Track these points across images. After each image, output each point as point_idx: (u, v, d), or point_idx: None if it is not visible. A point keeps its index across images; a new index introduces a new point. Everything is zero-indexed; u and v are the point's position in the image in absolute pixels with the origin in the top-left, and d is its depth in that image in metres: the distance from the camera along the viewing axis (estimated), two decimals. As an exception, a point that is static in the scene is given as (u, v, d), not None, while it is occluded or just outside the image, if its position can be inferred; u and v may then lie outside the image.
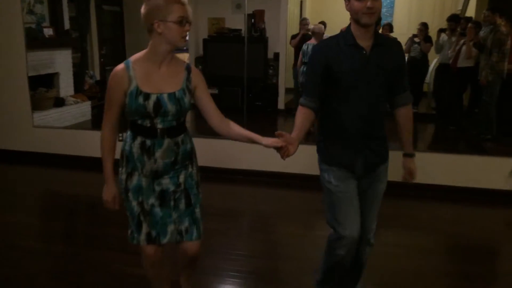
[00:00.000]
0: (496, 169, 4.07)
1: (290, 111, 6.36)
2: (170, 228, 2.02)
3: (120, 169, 2.01)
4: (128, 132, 1.97)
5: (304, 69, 5.60)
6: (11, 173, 4.85)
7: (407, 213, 3.81)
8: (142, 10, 1.83)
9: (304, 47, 5.56)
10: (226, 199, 4.12)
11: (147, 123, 1.91)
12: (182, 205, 2.03)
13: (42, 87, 5.40)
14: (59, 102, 5.55)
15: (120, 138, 2.10)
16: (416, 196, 4.09)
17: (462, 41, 5.09)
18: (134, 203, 2.00)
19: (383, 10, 6.64)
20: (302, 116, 2.05)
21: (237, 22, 6.53)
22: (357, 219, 2.11)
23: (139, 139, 1.93)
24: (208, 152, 4.56)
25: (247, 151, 4.43)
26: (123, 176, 2.00)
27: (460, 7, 5.87)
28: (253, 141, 1.98)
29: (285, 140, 1.92)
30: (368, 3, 1.87)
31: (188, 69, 2.01)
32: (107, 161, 1.98)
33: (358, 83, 1.99)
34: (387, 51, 2.02)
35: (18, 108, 5.03)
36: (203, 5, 6.97)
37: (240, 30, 6.48)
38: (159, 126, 1.90)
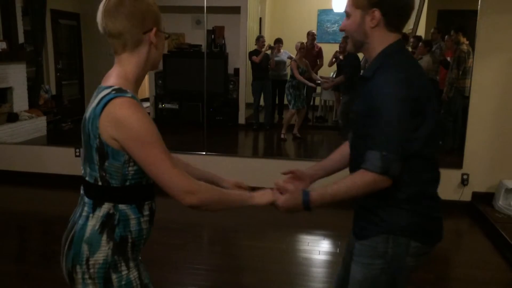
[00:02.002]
0: (446, 180, 4.25)
1: (250, 126, 6.44)
2: None
3: (122, 268, 1.31)
4: (119, 207, 1.29)
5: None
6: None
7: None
8: (125, 12, 1.26)
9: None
10: (186, 214, 4.10)
11: (147, 179, 1.32)
12: None
13: (-6, 102, 5.24)
14: (13, 117, 5.38)
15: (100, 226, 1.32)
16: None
17: (413, 59, 5.36)
18: None
19: (335, 28, 6.89)
20: None
21: (197, 37, 6.59)
22: None
23: (147, 207, 1.36)
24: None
25: (204, 165, 4.45)
26: (135, 274, 1.35)
27: (411, 27, 6.17)
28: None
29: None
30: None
31: None
32: (226, 193, 1.46)
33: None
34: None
35: (-32, 124, 4.85)
36: (164, 20, 6.99)
37: (200, 45, 6.54)
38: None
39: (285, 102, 6.19)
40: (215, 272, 2.99)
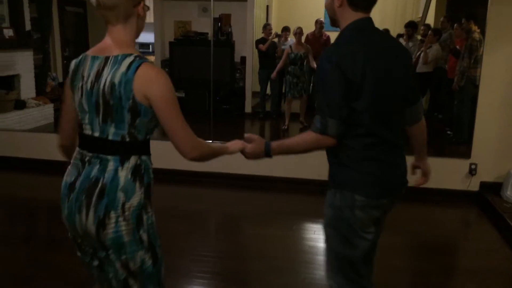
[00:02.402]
0: (454, 170, 4.24)
1: (256, 114, 6.42)
2: None
3: (149, 211, 1.54)
4: (142, 158, 1.51)
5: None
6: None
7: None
8: None
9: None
10: (192, 201, 4.11)
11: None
12: None
13: (1, 89, 5.25)
14: (20, 105, 5.40)
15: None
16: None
17: (422, 48, 5.30)
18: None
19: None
20: None
21: (203, 25, 6.55)
22: None
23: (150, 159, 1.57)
24: (172, 154, 4.55)
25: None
26: (153, 218, 1.57)
27: (420, 15, 6.10)
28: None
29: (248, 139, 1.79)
30: None
31: None
32: (212, 147, 1.67)
33: None
34: None
35: (-24, 111, 4.87)
36: (170, 8, 6.95)
37: (207, 33, 6.50)
38: None
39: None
40: (222, 259, 3.00)
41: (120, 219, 1.45)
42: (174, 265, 2.88)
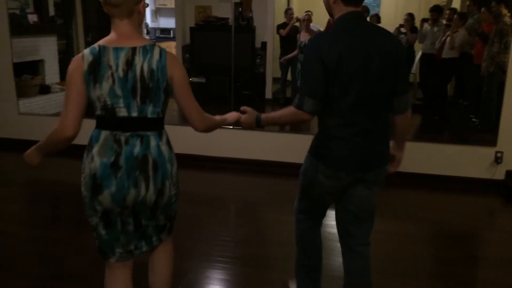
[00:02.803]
0: (479, 158, 4.16)
1: (277, 101, 6.39)
2: None
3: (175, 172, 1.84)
4: (165, 131, 1.82)
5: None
6: (-5, 160, 4.81)
7: (392, 200, 3.88)
8: None
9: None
10: (211, 187, 4.14)
11: None
12: None
13: (27, 74, 5.34)
14: (45, 90, 5.49)
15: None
16: (401, 185, 4.16)
17: (448, 32, 5.16)
18: None
19: (371, 0, 6.68)
20: None
21: (224, 10, 6.49)
22: None
23: None
24: (192, 139, 4.58)
25: (231, 138, 4.46)
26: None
27: (446, -1, 5.93)
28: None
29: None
30: None
31: None
32: (214, 119, 1.98)
33: None
34: None
35: (4, 95, 4.98)
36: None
37: (227, 18, 6.45)
38: None
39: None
40: (242, 244, 3.02)
41: (172, 186, 1.80)
42: (194, 250, 2.92)
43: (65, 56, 5.98)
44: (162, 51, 1.71)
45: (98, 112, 1.72)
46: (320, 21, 6.03)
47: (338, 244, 3.02)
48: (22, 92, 5.11)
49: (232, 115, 2.10)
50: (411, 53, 5.81)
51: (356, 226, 2.08)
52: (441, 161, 4.21)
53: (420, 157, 4.22)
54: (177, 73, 1.73)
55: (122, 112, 1.69)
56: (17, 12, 5.14)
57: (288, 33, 5.92)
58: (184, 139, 4.69)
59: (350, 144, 1.89)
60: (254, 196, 3.99)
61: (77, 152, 4.40)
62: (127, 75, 1.67)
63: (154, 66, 1.68)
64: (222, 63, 5.99)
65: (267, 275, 2.73)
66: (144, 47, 1.69)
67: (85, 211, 1.80)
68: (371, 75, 1.81)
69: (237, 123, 2.12)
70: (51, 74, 5.70)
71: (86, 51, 1.68)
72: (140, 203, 1.74)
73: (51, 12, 5.65)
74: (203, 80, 6.61)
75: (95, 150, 1.71)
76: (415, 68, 5.99)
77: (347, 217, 2.08)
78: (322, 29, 5.86)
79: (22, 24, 5.17)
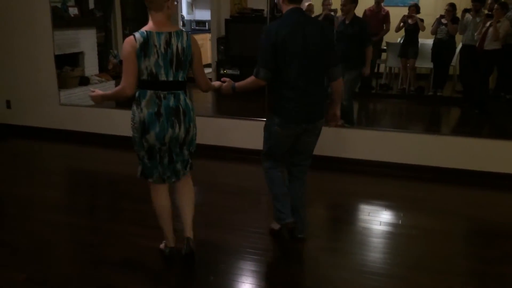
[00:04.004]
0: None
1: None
2: None
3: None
4: (187, 90, 2.55)
5: None
6: (38, 149, 5.00)
7: (430, 196, 3.79)
8: None
9: None
10: (244, 179, 4.16)
11: None
12: None
13: (67, 66, 5.50)
14: (84, 81, 5.64)
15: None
16: (438, 180, 4.06)
17: (488, 23, 4.95)
18: None
19: (409, -10, 6.49)
20: None
21: (259, 2, 6.46)
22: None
23: None
24: (229, 132, 4.60)
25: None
26: None
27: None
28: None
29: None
30: None
31: None
32: (211, 83, 2.80)
33: None
34: None
35: (45, 86, 5.16)
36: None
37: (263, 10, 6.42)
38: None
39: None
40: (273, 236, 3.02)
41: (194, 126, 2.56)
42: (225, 241, 2.95)
43: (103, 48, 6.12)
44: (188, 35, 2.45)
45: (145, 77, 2.38)
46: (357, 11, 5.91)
47: (372, 239, 3.00)
48: (62, 83, 5.27)
49: (216, 83, 2.86)
50: (452, 45, 5.62)
51: (300, 159, 2.88)
52: (481, 156, 4.06)
53: (459, 152, 4.09)
54: (197, 51, 2.50)
55: (162, 77, 2.39)
56: (59, 5, 5.29)
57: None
58: (220, 131, 4.74)
59: (296, 103, 2.63)
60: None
61: (112, 142, 4.51)
62: (166, 52, 2.37)
63: (185, 45, 2.41)
64: (256, 55, 5.98)
65: (297, 267, 2.74)
66: (176, 32, 2.40)
67: (134, 148, 2.53)
68: (308, 51, 2.58)
69: (218, 90, 2.86)
70: (90, 66, 5.85)
71: (137, 35, 2.33)
72: (175, 139, 2.46)
73: (91, 5, 5.79)
74: (237, 72, 6.63)
75: (143, 104, 2.40)
76: (455, 60, 5.79)
77: (295, 154, 2.85)
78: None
79: (63, 17, 5.31)
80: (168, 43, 2.36)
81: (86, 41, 5.77)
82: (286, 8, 2.65)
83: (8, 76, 5.27)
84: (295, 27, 2.56)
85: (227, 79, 2.86)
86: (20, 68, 5.21)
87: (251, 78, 2.65)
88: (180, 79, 2.43)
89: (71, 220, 3.26)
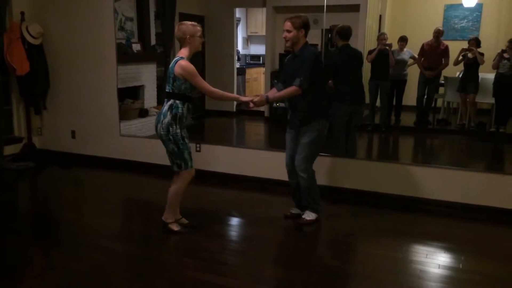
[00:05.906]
0: None
1: (365, 127, 6.23)
2: None
3: (174, 127, 3.30)
4: (177, 101, 3.30)
5: None
6: (98, 177, 5.22)
7: (493, 240, 3.56)
8: (178, 31, 3.32)
9: None
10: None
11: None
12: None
13: (128, 98, 5.78)
14: (143, 113, 5.89)
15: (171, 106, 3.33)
16: (503, 222, 3.81)
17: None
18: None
19: (469, 24, 6.34)
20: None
21: (313, 37, 6.52)
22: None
23: (186, 104, 3.33)
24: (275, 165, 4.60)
25: (315, 165, 4.40)
26: (178, 130, 3.32)
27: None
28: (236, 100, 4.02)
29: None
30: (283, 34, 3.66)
31: None
32: (227, 94, 3.60)
33: None
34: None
35: (108, 118, 5.43)
36: (281, 21, 7.06)
37: (317, 45, 6.48)
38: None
39: (404, 103, 5.89)
40: (325, 276, 2.94)
41: (159, 126, 3.32)
42: (278, 276, 2.89)
43: (162, 82, 6.39)
44: (176, 60, 3.29)
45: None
46: (412, 46, 5.85)
47: (430, 283, 2.84)
48: (123, 115, 5.53)
49: (246, 98, 3.58)
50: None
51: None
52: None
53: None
54: (183, 71, 3.22)
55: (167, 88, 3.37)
56: (124, 42, 5.61)
57: (376, 58, 5.77)
58: (269, 164, 4.74)
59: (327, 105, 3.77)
60: (343, 226, 3.88)
61: (168, 173, 4.65)
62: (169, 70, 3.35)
63: (171, 66, 3.31)
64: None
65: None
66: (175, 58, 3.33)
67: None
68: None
69: (247, 104, 3.51)
70: (149, 98, 6.12)
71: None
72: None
73: (153, 41, 6.09)
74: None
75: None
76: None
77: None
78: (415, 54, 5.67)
79: (127, 53, 5.63)
80: (168, 65, 3.38)
81: (147, 75, 6.06)
82: (303, 41, 3.57)
83: (75, 108, 5.61)
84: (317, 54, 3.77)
85: (260, 94, 3.59)
86: (86, 101, 5.53)
87: (295, 89, 3.44)
88: (167, 90, 3.34)
89: (125, 248, 3.34)
